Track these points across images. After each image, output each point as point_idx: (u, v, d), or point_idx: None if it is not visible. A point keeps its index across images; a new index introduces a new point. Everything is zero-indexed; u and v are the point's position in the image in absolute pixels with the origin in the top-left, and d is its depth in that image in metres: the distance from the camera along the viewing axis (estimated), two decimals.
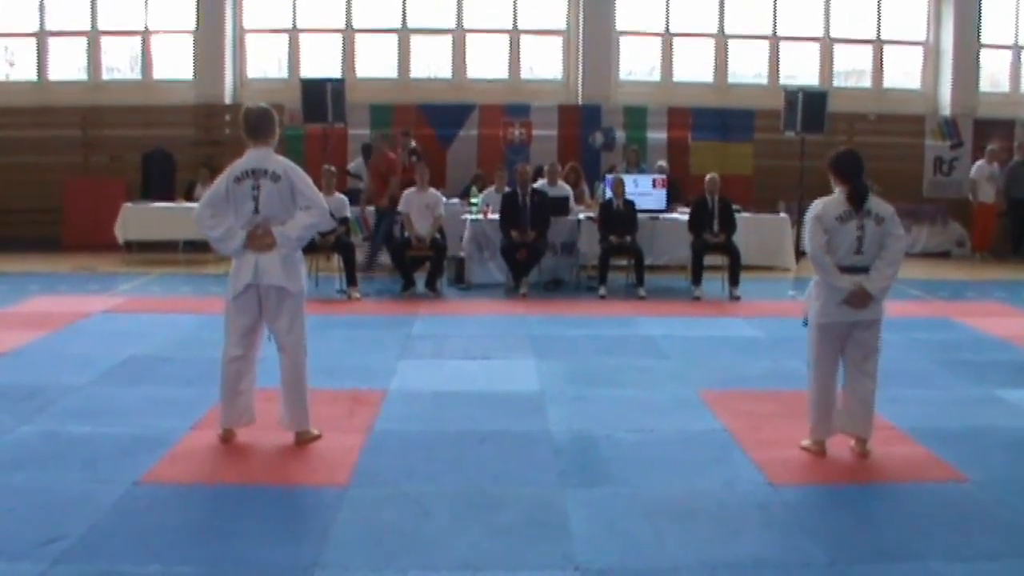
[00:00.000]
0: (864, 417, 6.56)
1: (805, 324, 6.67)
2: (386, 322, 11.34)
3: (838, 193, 6.44)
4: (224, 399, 6.64)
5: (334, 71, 18.71)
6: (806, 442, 6.64)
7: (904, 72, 20.39)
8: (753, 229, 15.17)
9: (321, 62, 19.29)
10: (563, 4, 19.49)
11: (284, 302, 6.51)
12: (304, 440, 6.63)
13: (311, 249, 12.30)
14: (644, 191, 14.54)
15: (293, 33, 19.41)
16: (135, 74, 19.63)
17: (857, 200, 6.34)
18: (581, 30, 19.14)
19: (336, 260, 13.26)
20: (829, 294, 6.42)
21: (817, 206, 6.48)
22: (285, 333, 6.57)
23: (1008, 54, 20.29)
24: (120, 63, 19.93)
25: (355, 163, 16.93)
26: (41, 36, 19.31)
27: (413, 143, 17.05)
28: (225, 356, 6.62)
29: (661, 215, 14.62)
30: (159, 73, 19.43)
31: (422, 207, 13.33)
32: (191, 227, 15.54)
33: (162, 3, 19.18)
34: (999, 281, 15.24)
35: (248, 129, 6.55)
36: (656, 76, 19.87)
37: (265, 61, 19.92)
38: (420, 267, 13.39)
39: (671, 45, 19.65)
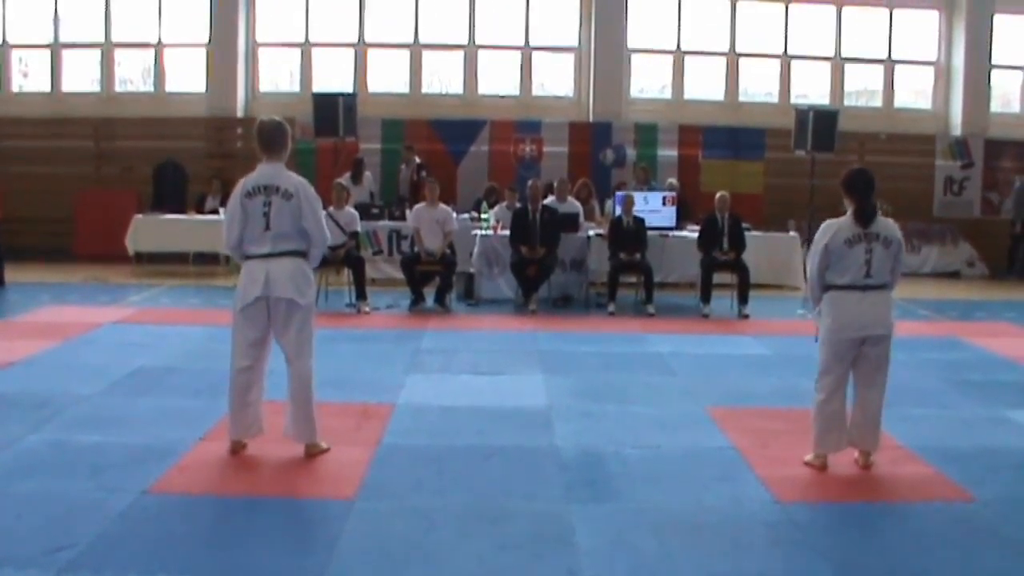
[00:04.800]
0: (871, 431, 6.60)
1: (817, 341, 6.71)
2: (395, 336, 11.36)
3: (849, 213, 6.48)
4: (232, 410, 6.65)
5: (346, 85, 18.80)
6: (809, 457, 6.66)
7: (915, 92, 20.42)
8: (763, 247, 15.17)
9: (333, 76, 19.38)
10: (575, 21, 19.54)
11: (293, 315, 6.52)
12: (313, 453, 6.64)
13: (321, 263, 12.36)
14: (654, 208, 14.54)
15: (305, 47, 19.48)
16: (148, 86, 19.73)
17: (863, 218, 6.39)
18: (593, 47, 19.18)
19: (346, 274, 13.28)
20: (839, 310, 6.46)
21: (828, 230, 6.54)
22: (293, 346, 6.57)
23: (1019, 74, 20.31)
24: (133, 75, 20.03)
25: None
26: (55, 48, 19.42)
27: (417, 159, 17.12)
28: (233, 368, 6.63)
29: (671, 232, 14.58)
30: (172, 86, 19.51)
31: (432, 222, 13.35)
32: (201, 239, 15.52)
33: (175, 16, 19.29)
34: (1009, 301, 15.23)
35: (262, 142, 6.58)
36: (667, 94, 19.90)
37: (277, 75, 20.01)
38: (429, 282, 13.40)
39: (682, 63, 19.69)
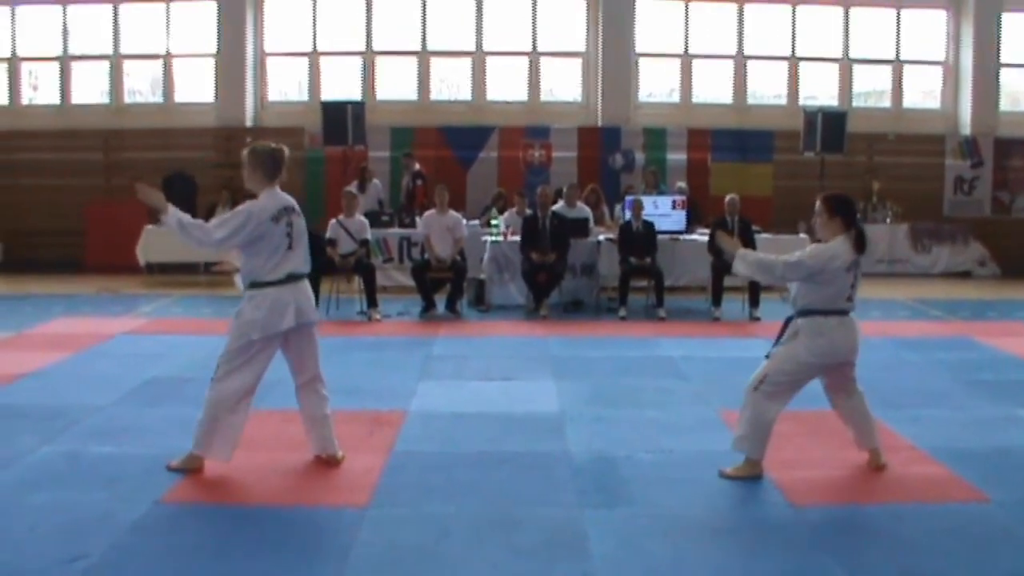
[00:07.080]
0: (868, 428, 6.65)
1: (767, 357, 6.66)
2: (406, 343, 11.36)
3: (843, 239, 6.37)
4: (220, 431, 6.41)
5: (354, 94, 18.81)
6: (730, 470, 6.49)
7: (923, 92, 20.37)
8: (772, 250, 14.89)
9: (341, 85, 19.40)
10: (582, 26, 19.54)
11: (313, 334, 6.61)
12: (339, 461, 6.66)
13: (331, 271, 12.44)
14: (664, 212, 14.53)
15: (313, 56, 19.50)
16: (157, 97, 19.76)
17: (862, 245, 6.35)
18: (600, 52, 19.18)
19: (357, 282, 13.29)
20: (822, 339, 6.34)
21: (827, 256, 6.33)
22: (314, 362, 6.63)
23: None
24: (142, 86, 20.07)
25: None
26: (64, 60, 19.47)
27: (417, 165, 17.10)
28: (235, 389, 6.37)
29: (681, 236, 14.58)
30: (180, 96, 19.55)
31: (442, 229, 13.36)
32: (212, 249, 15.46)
33: (183, 27, 19.34)
34: (1021, 301, 15.16)
35: (274, 167, 6.57)
36: (675, 97, 19.88)
37: (285, 84, 20.01)
38: (440, 289, 13.41)
39: (690, 66, 19.67)
